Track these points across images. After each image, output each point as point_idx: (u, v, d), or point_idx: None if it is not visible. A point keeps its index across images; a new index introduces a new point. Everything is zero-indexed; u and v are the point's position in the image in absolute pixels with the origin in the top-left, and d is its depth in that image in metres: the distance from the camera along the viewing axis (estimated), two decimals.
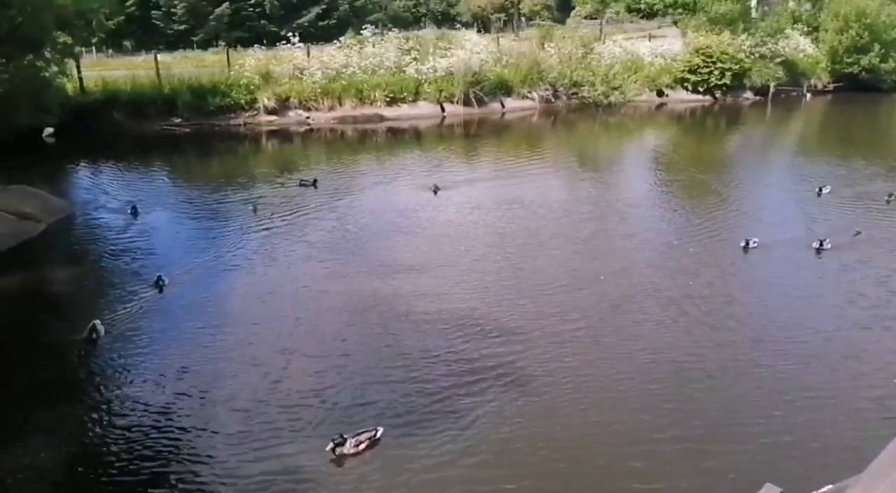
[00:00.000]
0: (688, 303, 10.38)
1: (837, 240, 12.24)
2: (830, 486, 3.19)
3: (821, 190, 16.13)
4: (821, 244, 11.73)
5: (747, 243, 11.86)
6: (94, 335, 9.04)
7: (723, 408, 7.73)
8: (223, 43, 40.64)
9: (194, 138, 24.59)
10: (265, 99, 26.36)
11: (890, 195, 15.60)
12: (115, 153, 22.39)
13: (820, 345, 9.10)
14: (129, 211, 14.71)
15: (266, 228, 13.99)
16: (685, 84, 33.93)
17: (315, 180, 17.32)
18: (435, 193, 16.20)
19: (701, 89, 33.77)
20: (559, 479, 6.59)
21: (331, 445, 6.60)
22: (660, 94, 33.82)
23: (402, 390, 8.01)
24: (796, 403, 7.76)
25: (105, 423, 7.45)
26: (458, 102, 29.05)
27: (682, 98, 33.92)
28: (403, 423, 7.37)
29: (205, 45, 41.67)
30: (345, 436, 6.69)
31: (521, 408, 7.67)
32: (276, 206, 15.59)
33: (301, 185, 17.20)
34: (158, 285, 10.57)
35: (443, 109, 29.08)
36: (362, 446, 6.75)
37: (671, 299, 10.49)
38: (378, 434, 6.93)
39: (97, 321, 9.23)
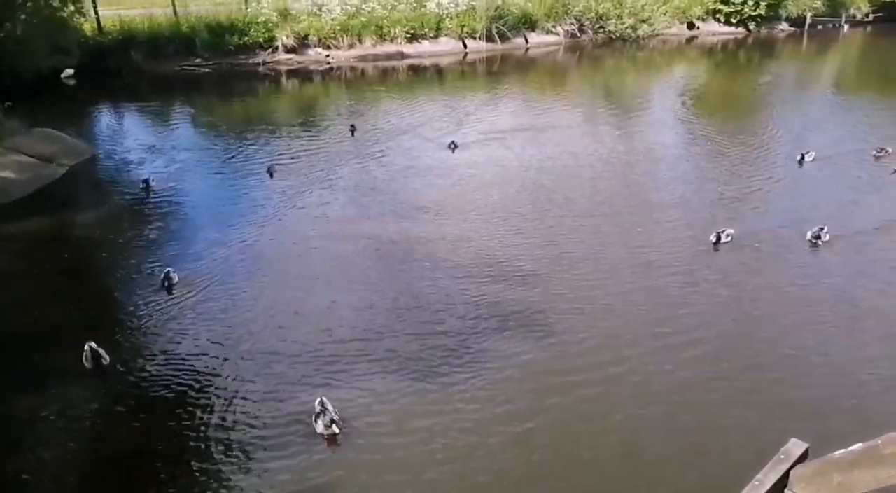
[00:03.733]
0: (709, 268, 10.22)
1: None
2: (860, 444, 3.12)
3: (803, 157, 14.37)
4: (818, 238, 10.26)
5: (718, 238, 10.27)
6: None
7: (751, 357, 7.66)
8: None
9: (214, 79, 24.32)
10: (284, 37, 25.88)
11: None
12: (135, 95, 22.28)
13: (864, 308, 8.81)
14: (141, 186, 13.07)
15: (292, 181, 13.48)
16: (717, 15, 32.60)
17: (353, 127, 16.80)
18: (452, 150, 15.21)
19: (734, 21, 32.44)
20: (577, 426, 6.63)
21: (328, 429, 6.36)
22: (690, 26, 32.58)
23: (419, 336, 8.06)
24: (831, 356, 7.65)
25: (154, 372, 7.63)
26: (480, 38, 28.30)
27: (713, 30, 32.67)
28: (420, 370, 7.43)
29: None
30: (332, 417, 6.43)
31: (539, 355, 7.67)
32: (305, 154, 15.19)
33: (351, 131, 16.68)
34: (166, 284, 9.16)
35: (465, 46, 28.36)
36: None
37: (694, 260, 10.30)
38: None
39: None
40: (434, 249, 10.30)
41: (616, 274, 9.53)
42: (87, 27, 24.10)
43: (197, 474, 6.03)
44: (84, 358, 7.30)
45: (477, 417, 6.67)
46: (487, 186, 13.21)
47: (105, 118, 20.26)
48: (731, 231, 10.44)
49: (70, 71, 22.56)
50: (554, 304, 8.70)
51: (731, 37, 32.11)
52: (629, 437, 6.44)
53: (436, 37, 28.09)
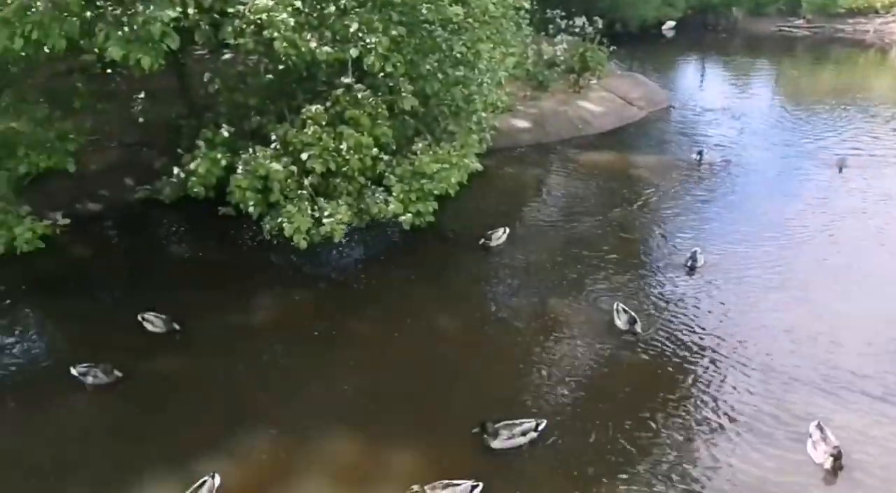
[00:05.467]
0: None
1: None
2: None
3: None
4: None
5: None
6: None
7: None
8: None
9: (810, 43, 22.66)
10: None
11: None
12: (725, 51, 22.40)
13: None
14: (694, 157, 12.81)
15: (864, 181, 11.52)
16: None
17: None
18: None
19: None
20: None
21: None
22: None
23: None
24: None
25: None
26: None
27: None
28: None
29: None
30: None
31: None
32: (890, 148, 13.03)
33: None
34: (690, 263, 9.05)
35: None
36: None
37: None
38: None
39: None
40: None
41: None
42: None
43: (670, 450, 6.07)
44: (616, 317, 7.73)
45: None
46: None
47: (689, 71, 21.01)
48: None
49: (671, 23, 23.91)
50: None
51: None
52: None
53: None
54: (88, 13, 6.97)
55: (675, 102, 16.53)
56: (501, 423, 6.13)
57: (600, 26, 16.34)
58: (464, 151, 8.87)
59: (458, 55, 8.66)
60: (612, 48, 16.14)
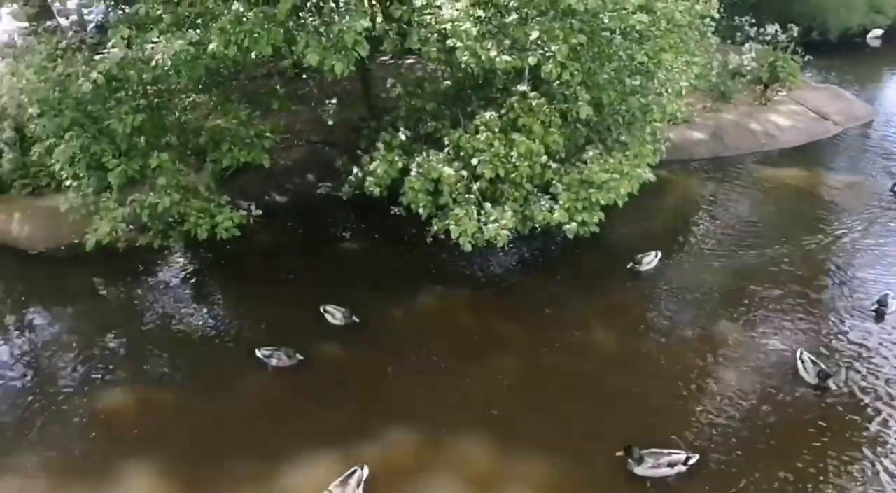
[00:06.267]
0: None
1: None
2: None
3: None
4: None
5: None
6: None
7: None
8: None
9: None
10: None
11: None
12: None
13: None
14: (890, 189, 11.29)
15: None
16: None
17: None
18: None
19: None
20: None
21: None
22: None
23: None
24: None
25: None
26: None
27: None
28: None
29: None
30: None
31: None
32: None
33: None
34: (878, 308, 8.09)
35: None
36: None
37: None
38: None
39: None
40: None
41: None
42: None
43: None
44: (802, 368, 7.02)
45: None
46: None
47: None
48: None
49: (878, 31, 21.55)
50: None
51: None
52: None
53: None
54: (291, 23, 7.62)
55: (877, 118, 14.94)
56: (649, 450, 5.91)
57: (795, 34, 15.12)
58: (636, 161, 8.63)
59: (638, 64, 8.44)
60: (806, 58, 14.89)
